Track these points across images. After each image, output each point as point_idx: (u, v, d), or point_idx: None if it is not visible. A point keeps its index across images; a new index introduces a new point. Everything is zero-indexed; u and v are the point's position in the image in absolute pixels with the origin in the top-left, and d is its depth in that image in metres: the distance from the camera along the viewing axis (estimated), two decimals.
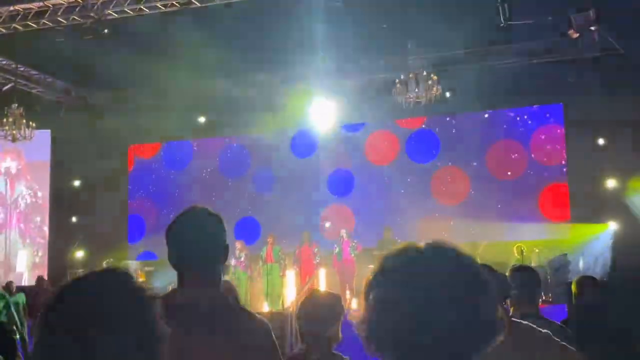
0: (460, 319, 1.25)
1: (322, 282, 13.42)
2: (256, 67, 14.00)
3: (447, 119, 15.63)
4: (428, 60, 13.52)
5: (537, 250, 13.21)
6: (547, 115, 15.23)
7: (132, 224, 17.28)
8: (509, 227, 14.21)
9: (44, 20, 12.37)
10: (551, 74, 13.95)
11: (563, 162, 14.85)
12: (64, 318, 1.28)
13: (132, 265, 14.36)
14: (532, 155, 15.09)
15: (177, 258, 2.38)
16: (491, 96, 14.23)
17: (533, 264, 11.04)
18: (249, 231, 15.62)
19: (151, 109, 15.18)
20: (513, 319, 3.02)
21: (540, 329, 2.92)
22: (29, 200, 17.49)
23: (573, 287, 4.90)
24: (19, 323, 10.50)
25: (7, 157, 17.38)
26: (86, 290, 1.32)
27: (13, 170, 17.54)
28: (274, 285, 13.89)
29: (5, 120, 13.82)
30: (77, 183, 17.36)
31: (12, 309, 10.29)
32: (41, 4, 12.13)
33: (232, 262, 13.74)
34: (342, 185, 16.09)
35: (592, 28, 12.04)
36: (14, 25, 12.57)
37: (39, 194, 17.45)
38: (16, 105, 13.98)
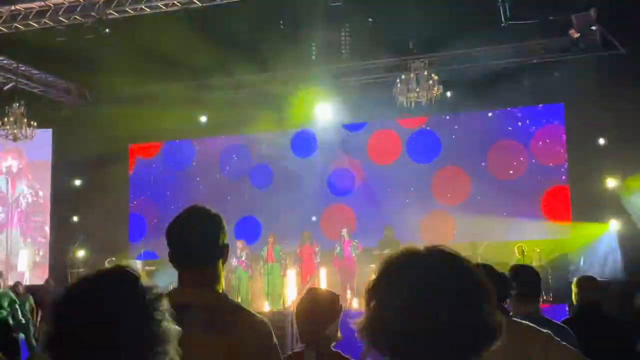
0: (459, 323, 1.26)
1: (323, 282, 13.42)
2: (257, 66, 14.00)
3: (448, 118, 15.63)
4: (429, 60, 13.52)
5: (537, 250, 13.21)
6: (548, 115, 15.22)
7: (133, 224, 17.29)
8: (509, 227, 14.21)
9: (45, 20, 12.38)
10: (552, 73, 13.95)
11: (564, 161, 14.84)
12: (72, 317, 1.29)
13: (134, 264, 14.36)
14: (533, 155, 15.09)
15: (177, 257, 2.38)
16: (492, 96, 14.21)
17: (534, 264, 11.03)
18: (250, 231, 15.64)
19: (152, 109, 15.19)
20: (514, 318, 3.02)
21: (541, 329, 2.92)
22: (30, 200, 17.51)
23: (573, 287, 4.90)
24: (23, 322, 10.52)
25: (8, 157, 17.39)
26: (94, 289, 1.33)
27: (14, 170, 17.55)
28: (275, 284, 13.90)
29: (6, 119, 13.82)
30: (78, 182, 17.37)
31: (18, 308, 10.31)
32: (42, 3, 12.14)
33: (234, 261, 13.75)
34: (342, 184, 16.09)
35: (593, 28, 12.04)
36: (15, 24, 12.58)
37: (40, 193, 17.46)
38: (17, 104, 13.99)
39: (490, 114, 15.59)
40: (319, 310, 3.02)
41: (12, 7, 12.29)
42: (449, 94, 14.01)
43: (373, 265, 12.33)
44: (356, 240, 13.97)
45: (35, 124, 14.05)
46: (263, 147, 16.47)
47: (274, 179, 16.37)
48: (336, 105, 14.98)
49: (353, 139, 15.98)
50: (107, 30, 11.97)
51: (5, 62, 14.61)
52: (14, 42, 13.09)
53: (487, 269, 2.98)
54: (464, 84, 13.81)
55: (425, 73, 12.76)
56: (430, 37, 12.56)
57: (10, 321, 10.04)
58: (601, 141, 14.05)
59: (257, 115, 15.00)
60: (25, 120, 13.89)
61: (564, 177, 14.81)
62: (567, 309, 9.30)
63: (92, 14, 12.01)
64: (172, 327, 1.34)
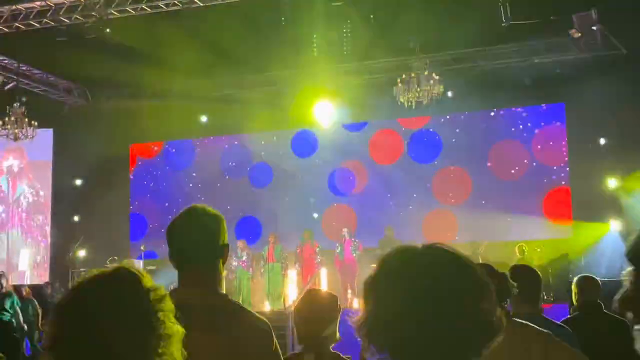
0: (458, 321, 1.26)
1: (324, 282, 13.43)
2: (258, 66, 14.00)
3: (448, 117, 15.62)
4: (430, 60, 13.51)
5: (538, 250, 13.21)
6: (549, 115, 15.21)
7: (134, 223, 17.31)
8: (510, 227, 14.20)
9: (46, 20, 12.38)
10: (553, 73, 13.94)
11: (565, 161, 14.83)
12: (75, 318, 1.29)
13: (135, 264, 14.37)
14: (534, 155, 15.08)
15: (176, 257, 2.38)
16: (493, 96, 14.22)
17: (534, 264, 11.03)
18: (250, 230, 15.64)
19: (153, 109, 15.19)
20: (514, 318, 3.02)
21: (542, 329, 2.92)
22: (31, 199, 17.52)
23: (573, 287, 4.90)
24: (25, 328, 10.51)
25: (9, 156, 17.40)
26: (96, 291, 1.33)
27: (15, 169, 17.56)
28: (276, 284, 13.90)
29: (7, 119, 13.83)
30: (79, 182, 17.37)
31: (19, 309, 10.30)
32: (43, 3, 12.14)
33: (234, 261, 13.75)
34: (343, 184, 16.09)
35: (594, 27, 12.04)
36: (16, 24, 12.59)
37: (41, 192, 17.47)
38: (18, 104, 14.00)
39: (491, 114, 15.59)
40: (318, 311, 3.01)
41: (13, 7, 12.30)
42: (449, 93, 13.99)
43: (374, 265, 12.33)
44: (357, 240, 13.97)
45: (36, 123, 14.05)
46: (263, 147, 16.47)
47: (274, 179, 16.37)
48: (337, 105, 14.97)
49: (354, 139, 15.96)
50: (107, 30, 11.97)
51: (6, 61, 14.62)
52: (15, 41, 13.10)
53: (487, 268, 2.97)
54: (464, 84, 13.80)
55: (426, 73, 12.75)
56: (431, 36, 12.55)
57: (14, 322, 10.03)
58: (602, 141, 14.05)
59: (257, 115, 15.00)
60: (26, 119, 13.90)
61: (565, 177, 14.80)
62: (567, 308, 9.30)
63: (93, 13, 12.02)
64: (176, 328, 1.35)
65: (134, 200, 17.59)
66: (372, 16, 12.14)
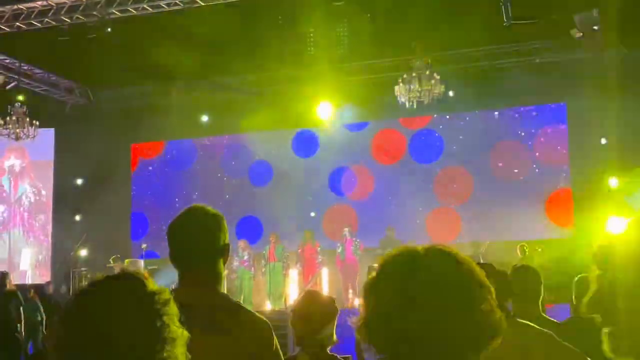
0: (458, 322, 1.26)
1: (325, 282, 13.43)
2: (258, 66, 14.00)
3: (449, 117, 15.61)
4: (431, 60, 13.50)
5: (539, 250, 13.19)
6: (551, 115, 15.21)
7: (135, 223, 17.32)
8: (511, 227, 14.19)
9: (47, 19, 12.39)
10: (554, 73, 13.93)
11: (566, 161, 14.82)
12: (81, 322, 1.30)
13: (136, 264, 14.38)
14: (536, 155, 15.08)
15: (177, 257, 2.38)
16: (494, 96, 14.21)
17: (536, 264, 11.02)
18: (251, 230, 15.64)
19: (154, 108, 15.19)
20: (515, 318, 3.01)
21: (543, 329, 2.92)
22: (32, 199, 17.54)
23: (574, 287, 4.89)
24: (23, 323, 10.51)
25: (11, 156, 17.42)
26: (102, 295, 1.34)
27: (17, 169, 17.58)
28: (277, 284, 13.91)
29: (9, 118, 13.84)
30: (80, 181, 17.39)
31: (21, 310, 10.30)
32: (45, 2, 12.15)
33: (235, 261, 13.76)
34: (344, 184, 16.09)
35: (595, 28, 12.02)
36: (17, 23, 12.59)
37: (43, 192, 17.49)
38: (20, 103, 14.01)
39: (495, 114, 15.58)
40: (315, 311, 3.01)
41: (15, 7, 12.31)
42: (451, 93, 13.98)
43: (375, 265, 12.33)
44: (358, 240, 13.96)
45: (37, 123, 14.07)
46: (264, 147, 16.47)
47: (274, 179, 16.37)
48: (338, 105, 14.96)
49: (355, 139, 15.95)
50: (109, 29, 11.97)
51: (7, 61, 14.63)
52: (16, 41, 13.11)
53: (488, 268, 2.97)
54: (466, 83, 13.78)
55: (428, 72, 12.73)
56: (432, 36, 12.54)
57: (17, 326, 10.04)
58: (603, 141, 14.03)
59: (258, 114, 14.99)
60: (28, 119, 13.92)
61: (566, 177, 14.79)
62: (568, 308, 9.28)
63: (95, 13, 12.02)
64: (180, 332, 1.35)
65: (135, 200, 17.60)
66: (369, 15, 12.13)
